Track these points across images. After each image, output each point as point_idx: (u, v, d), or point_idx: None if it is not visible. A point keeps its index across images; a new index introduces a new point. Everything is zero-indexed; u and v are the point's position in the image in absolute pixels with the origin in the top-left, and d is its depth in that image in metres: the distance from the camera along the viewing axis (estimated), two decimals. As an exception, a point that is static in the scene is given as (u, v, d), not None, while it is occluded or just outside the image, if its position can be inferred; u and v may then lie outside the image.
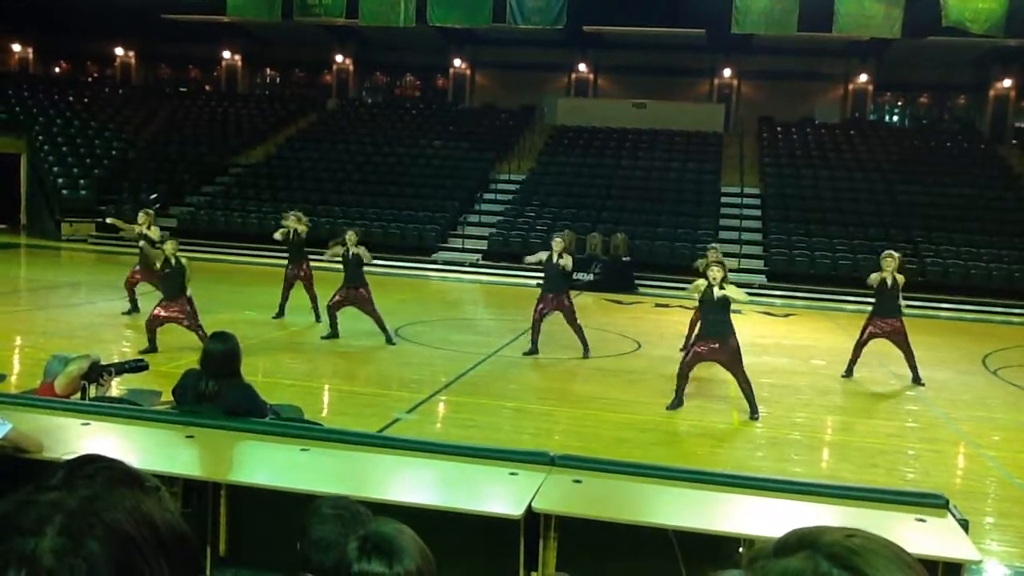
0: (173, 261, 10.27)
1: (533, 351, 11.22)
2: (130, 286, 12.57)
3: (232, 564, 3.88)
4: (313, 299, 12.67)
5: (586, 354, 11.13)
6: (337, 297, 11.47)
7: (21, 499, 0.78)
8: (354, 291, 11.38)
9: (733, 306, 8.92)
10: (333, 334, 11.51)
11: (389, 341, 11.38)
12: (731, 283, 8.80)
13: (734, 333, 8.67)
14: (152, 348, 10.13)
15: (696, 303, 10.01)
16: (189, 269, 10.32)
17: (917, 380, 10.66)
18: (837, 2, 21.03)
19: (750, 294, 8.90)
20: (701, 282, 8.77)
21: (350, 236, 11.47)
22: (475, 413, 8.48)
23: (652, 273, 20.44)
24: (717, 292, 8.52)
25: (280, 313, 12.85)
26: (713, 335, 8.65)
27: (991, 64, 27.89)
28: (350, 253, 11.35)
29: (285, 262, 13.15)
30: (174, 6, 26.04)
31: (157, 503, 0.82)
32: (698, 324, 10.16)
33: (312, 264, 12.91)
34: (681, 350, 11.80)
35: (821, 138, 28.21)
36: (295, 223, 12.69)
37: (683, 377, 8.85)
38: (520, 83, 30.95)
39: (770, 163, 26.56)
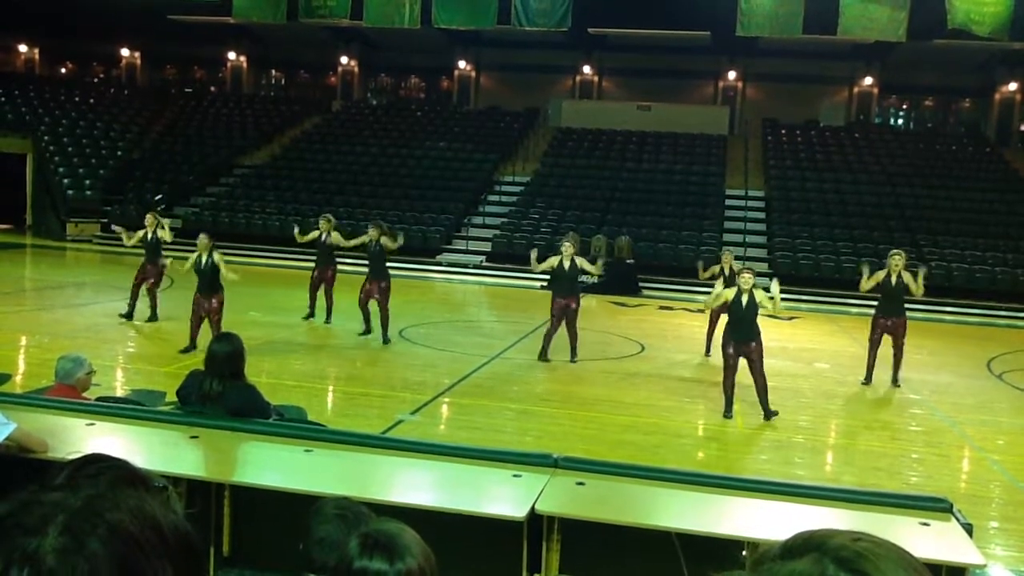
0: (204, 259, 10.20)
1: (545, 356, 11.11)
2: (136, 287, 12.32)
3: (235, 564, 3.88)
4: (329, 302, 12.72)
5: (573, 359, 10.98)
6: (364, 290, 11.66)
7: (25, 498, 0.78)
8: (377, 284, 11.53)
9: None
10: (366, 331, 11.65)
11: (385, 341, 11.47)
12: (758, 288, 8.80)
13: (760, 335, 8.70)
14: (192, 346, 10.12)
15: (707, 307, 10.02)
16: (224, 265, 10.20)
17: (895, 381, 10.69)
18: (841, 5, 21.02)
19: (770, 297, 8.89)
20: (728, 292, 8.80)
21: (372, 231, 11.59)
22: (478, 415, 8.48)
23: (656, 276, 20.43)
24: (746, 299, 8.53)
25: (311, 314, 12.92)
26: (742, 339, 8.65)
27: (996, 67, 27.85)
28: (373, 246, 11.50)
29: (297, 263, 13.19)
30: (180, 8, 26.10)
31: (161, 504, 0.82)
32: (719, 327, 10.18)
33: (339, 266, 13.03)
34: (707, 355, 11.79)
35: (826, 141, 28.17)
36: (327, 226, 12.74)
37: (730, 385, 8.79)
38: (525, 85, 30.98)
39: (774, 166, 26.53)
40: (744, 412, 8.86)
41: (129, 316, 12.24)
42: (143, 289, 12.19)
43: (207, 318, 10.23)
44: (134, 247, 12.61)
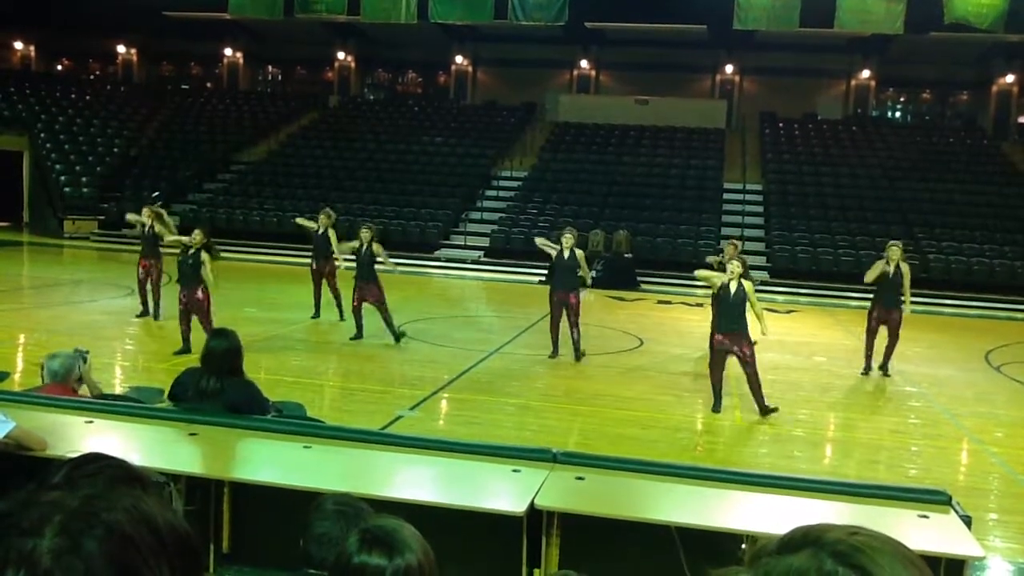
0: (191, 251, 10.06)
1: (554, 354, 10.88)
2: (142, 285, 12.09)
3: (235, 561, 3.89)
4: (336, 296, 12.50)
5: (577, 357, 10.76)
6: (356, 297, 11.32)
7: (23, 498, 0.78)
8: (366, 287, 11.18)
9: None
10: (358, 335, 11.32)
11: (396, 340, 11.11)
12: (749, 280, 8.57)
13: (747, 330, 8.44)
14: (186, 349, 9.90)
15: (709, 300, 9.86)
16: (209, 264, 9.98)
17: (885, 369, 10.71)
18: (839, -2, 20.99)
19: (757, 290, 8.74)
20: (716, 277, 8.69)
21: (363, 233, 11.39)
22: (478, 410, 8.48)
23: (654, 270, 20.44)
24: (734, 287, 8.35)
25: (316, 313, 12.69)
26: (729, 331, 8.43)
27: (994, 60, 27.83)
28: (364, 250, 11.23)
29: (295, 259, 13.06)
30: (176, 3, 26.03)
31: (159, 502, 0.81)
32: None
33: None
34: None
35: (823, 134, 28.17)
36: (326, 221, 12.62)
37: (717, 379, 8.64)
38: (522, 80, 30.93)
39: (772, 159, 26.52)
40: (741, 406, 8.85)
41: (148, 314, 12.05)
42: (148, 285, 12.02)
43: (194, 312, 9.97)
44: (135, 238, 12.53)
